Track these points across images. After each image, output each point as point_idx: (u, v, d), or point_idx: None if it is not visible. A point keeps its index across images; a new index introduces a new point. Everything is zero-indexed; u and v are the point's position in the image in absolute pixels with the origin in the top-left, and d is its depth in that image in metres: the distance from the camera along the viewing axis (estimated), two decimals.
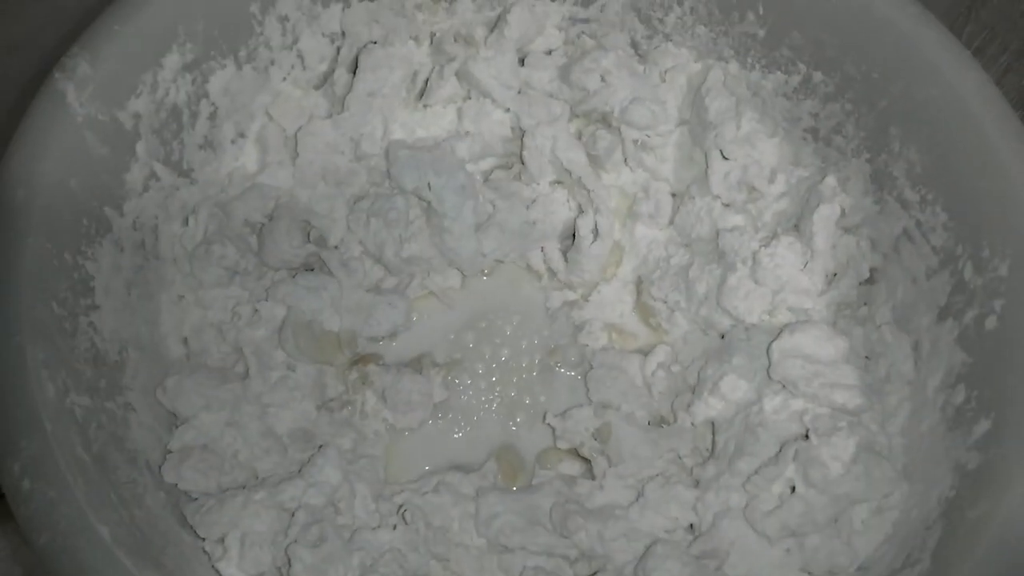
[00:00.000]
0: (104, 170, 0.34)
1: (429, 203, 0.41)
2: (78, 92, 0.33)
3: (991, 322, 0.31)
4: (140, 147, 0.36)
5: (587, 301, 0.43)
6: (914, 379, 0.35)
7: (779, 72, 0.41)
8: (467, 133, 0.43)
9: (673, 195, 0.43)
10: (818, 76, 0.39)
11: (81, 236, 0.33)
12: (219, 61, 0.39)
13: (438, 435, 0.40)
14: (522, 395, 0.42)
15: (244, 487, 0.34)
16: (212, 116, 0.40)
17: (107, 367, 0.33)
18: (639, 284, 0.43)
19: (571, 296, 0.43)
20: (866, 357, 0.37)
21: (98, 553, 0.25)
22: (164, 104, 0.37)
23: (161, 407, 0.36)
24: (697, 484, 0.36)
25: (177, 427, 0.35)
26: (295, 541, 0.31)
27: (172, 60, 0.36)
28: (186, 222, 0.39)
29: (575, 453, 0.39)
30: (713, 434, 0.37)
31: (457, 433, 0.41)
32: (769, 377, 0.36)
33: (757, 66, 0.41)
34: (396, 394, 0.39)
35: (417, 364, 0.41)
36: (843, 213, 0.39)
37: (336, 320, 0.39)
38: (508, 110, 0.43)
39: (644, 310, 0.43)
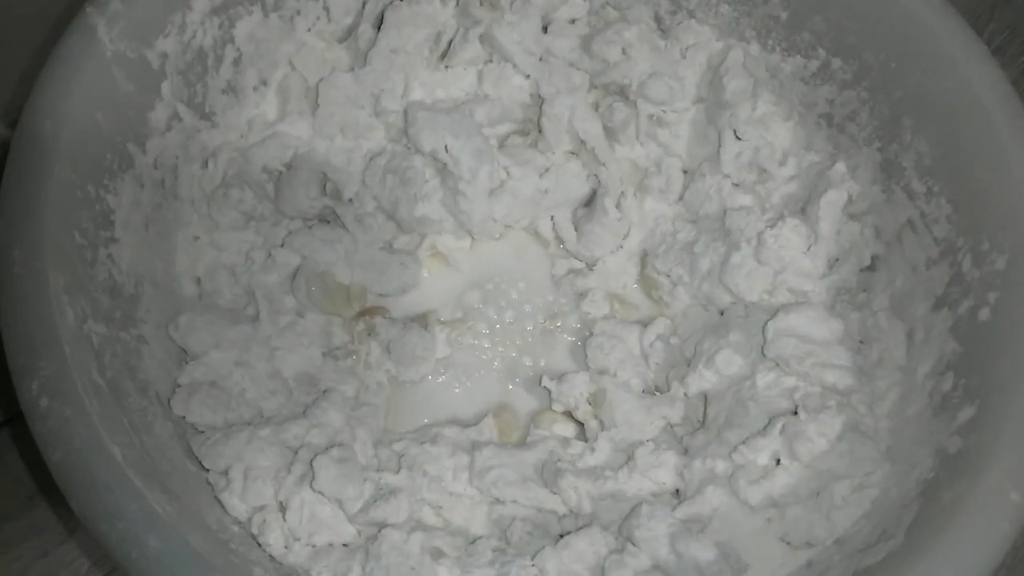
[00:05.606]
0: (129, 107, 0.35)
1: (445, 165, 0.42)
2: (108, 27, 0.33)
3: (984, 313, 0.32)
4: (165, 87, 0.37)
5: (591, 270, 0.44)
6: (905, 365, 0.36)
7: (799, 56, 0.41)
8: (486, 97, 0.44)
9: (684, 172, 0.44)
10: (837, 62, 0.40)
11: (104, 170, 0.34)
12: (246, 7, 0.39)
13: (438, 389, 0.41)
14: (522, 356, 0.42)
15: (250, 424, 0.35)
16: (236, 62, 0.40)
17: (123, 299, 0.34)
18: (644, 257, 0.44)
19: (576, 264, 0.44)
20: (860, 341, 0.37)
21: (110, 470, 0.26)
22: (191, 46, 0.37)
23: (172, 342, 0.37)
24: (686, 452, 0.37)
25: (187, 363, 0.36)
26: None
27: (201, 2, 0.37)
28: (205, 164, 0.40)
29: (569, 416, 0.40)
30: (705, 406, 0.38)
31: (457, 388, 0.42)
32: (763, 354, 0.37)
33: (777, 49, 0.42)
34: (401, 347, 0.40)
35: (423, 320, 0.42)
36: (850, 200, 0.39)
37: (348, 273, 0.40)
38: (528, 76, 0.44)
39: (647, 282, 0.43)
